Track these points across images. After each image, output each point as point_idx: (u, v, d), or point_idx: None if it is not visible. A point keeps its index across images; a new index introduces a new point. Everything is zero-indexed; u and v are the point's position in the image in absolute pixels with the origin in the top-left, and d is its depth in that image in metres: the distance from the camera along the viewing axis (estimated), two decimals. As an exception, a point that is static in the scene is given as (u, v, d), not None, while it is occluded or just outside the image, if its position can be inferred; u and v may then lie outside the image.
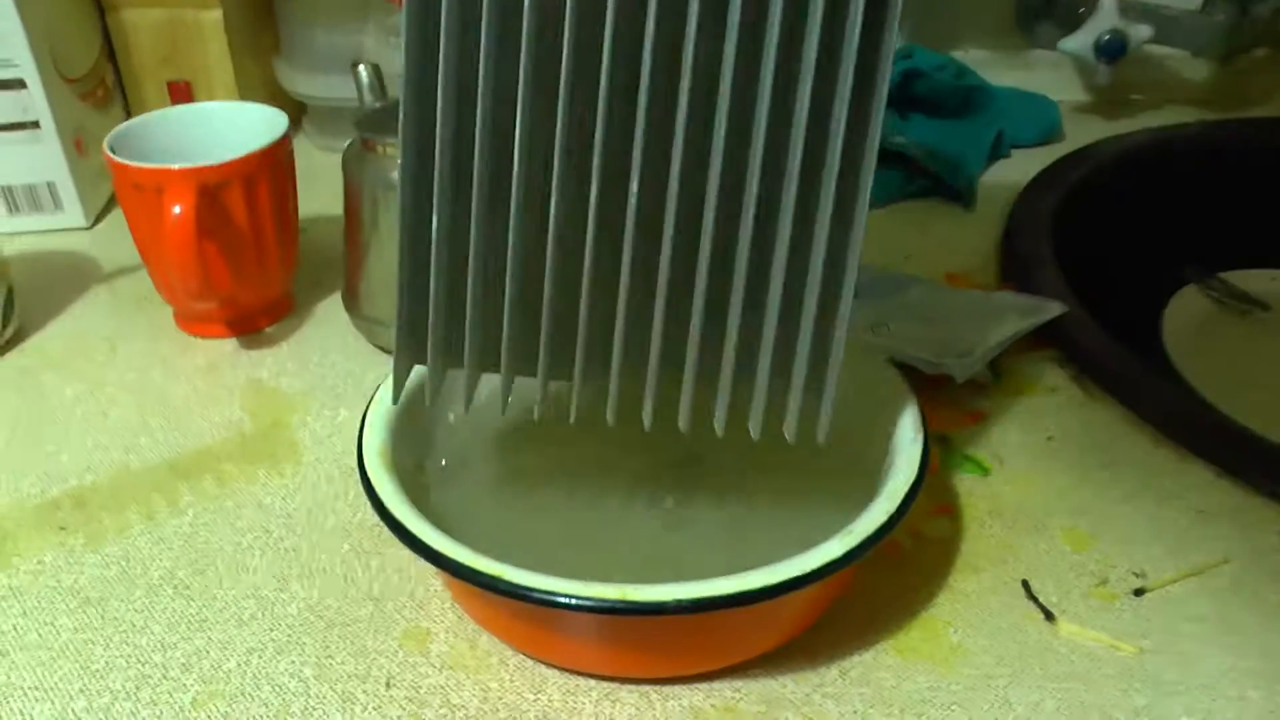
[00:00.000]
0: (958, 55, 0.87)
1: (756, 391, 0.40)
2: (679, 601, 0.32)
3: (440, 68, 0.35)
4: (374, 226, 0.55)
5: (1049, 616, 0.41)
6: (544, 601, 0.33)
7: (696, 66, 0.34)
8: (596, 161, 0.35)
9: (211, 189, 0.54)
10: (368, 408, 0.42)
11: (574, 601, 0.33)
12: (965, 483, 0.48)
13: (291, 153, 0.59)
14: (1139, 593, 0.42)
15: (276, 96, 0.83)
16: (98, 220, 0.73)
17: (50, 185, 0.70)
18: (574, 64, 0.34)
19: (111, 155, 0.55)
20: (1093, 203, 0.73)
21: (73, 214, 0.72)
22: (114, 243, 0.70)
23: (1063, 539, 0.44)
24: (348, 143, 0.56)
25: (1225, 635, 0.40)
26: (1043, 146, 0.79)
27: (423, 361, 0.39)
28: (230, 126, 0.60)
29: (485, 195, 0.36)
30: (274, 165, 0.57)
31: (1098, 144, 0.77)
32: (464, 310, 0.37)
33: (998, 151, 0.77)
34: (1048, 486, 0.47)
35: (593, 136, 0.35)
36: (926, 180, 0.72)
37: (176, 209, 0.52)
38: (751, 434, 0.41)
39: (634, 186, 0.36)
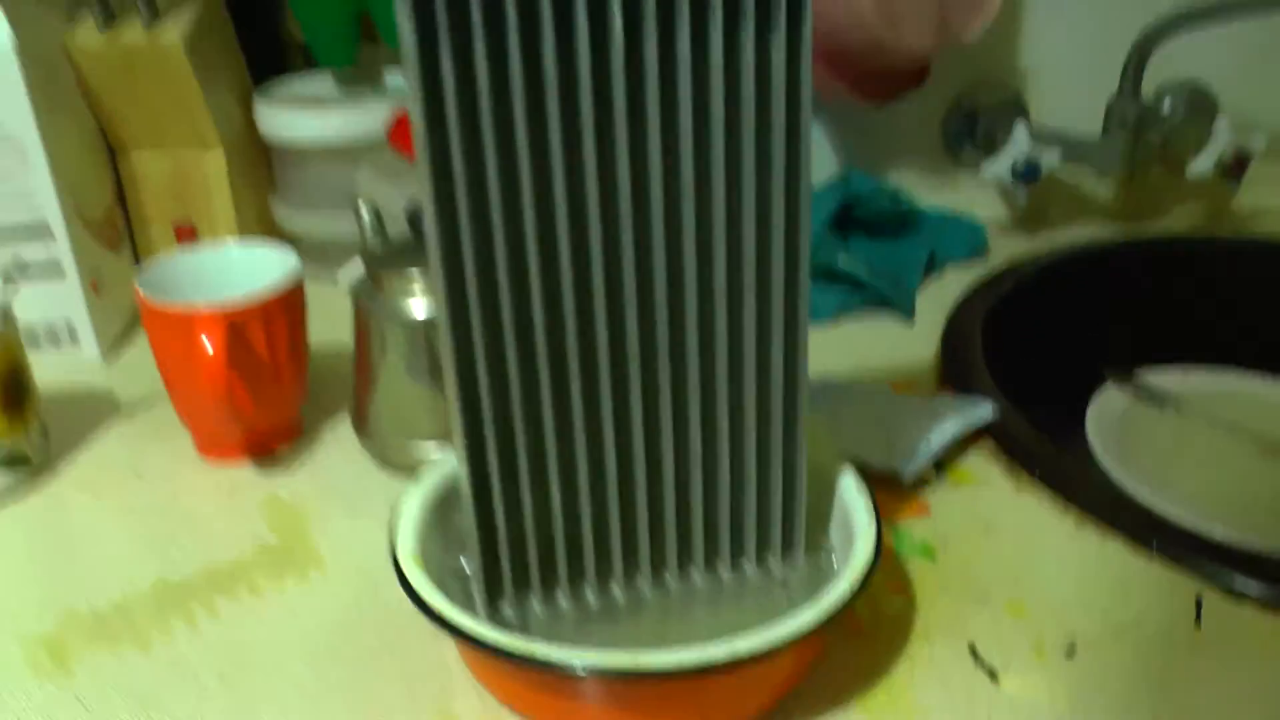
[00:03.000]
0: (891, 176, 0.96)
1: (737, 524, 0.48)
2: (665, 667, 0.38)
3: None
4: (382, 355, 0.61)
5: (993, 676, 0.47)
6: (542, 667, 0.39)
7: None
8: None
9: (239, 325, 0.61)
10: (397, 516, 0.49)
11: (581, 668, 0.39)
12: (916, 565, 0.54)
13: (303, 289, 0.66)
14: (1070, 653, 0.48)
15: (270, 232, 0.90)
16: (109, 355, 0.79)
17: (68, 322, 0.76)
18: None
19: (142, 294, 0.61)
20: (1019, 312, 0.82)
21: (89, 350, 0.77)
22: (128, 376, 0.75)
23: (1005, 609, 0.51)
24: (357, 278, 0.63)
25: (1146, 688, 0.46)
26: (973, 260, 0.88)
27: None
28: (244, 266, 0.67)
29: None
30: (291, 302, 0.63)
31: (1020, 261, 0.86)
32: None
33: (931, 268, 0.86)
34: (989, 566, 0.54)
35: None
36: (869, 296, 0.80)
37: (209, 345, 0.59)
38: (723, 578, 0.48)
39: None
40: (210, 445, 0.66)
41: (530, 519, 0.45)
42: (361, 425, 0.64)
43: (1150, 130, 0.88)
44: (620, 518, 0.46)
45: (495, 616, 0.46)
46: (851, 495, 0.49)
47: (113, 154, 0.83)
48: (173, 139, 0.82)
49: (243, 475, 0.65)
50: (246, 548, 0.58)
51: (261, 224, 0.90)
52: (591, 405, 0.44)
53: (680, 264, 0.43)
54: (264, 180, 0.91)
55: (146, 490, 0.63)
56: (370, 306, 0.61)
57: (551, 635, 0.46)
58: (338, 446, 0.67)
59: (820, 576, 0.49)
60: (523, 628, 0.46)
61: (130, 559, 0.57)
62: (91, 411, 0.72)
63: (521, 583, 0.47)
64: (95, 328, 0.77)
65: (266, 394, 0.64)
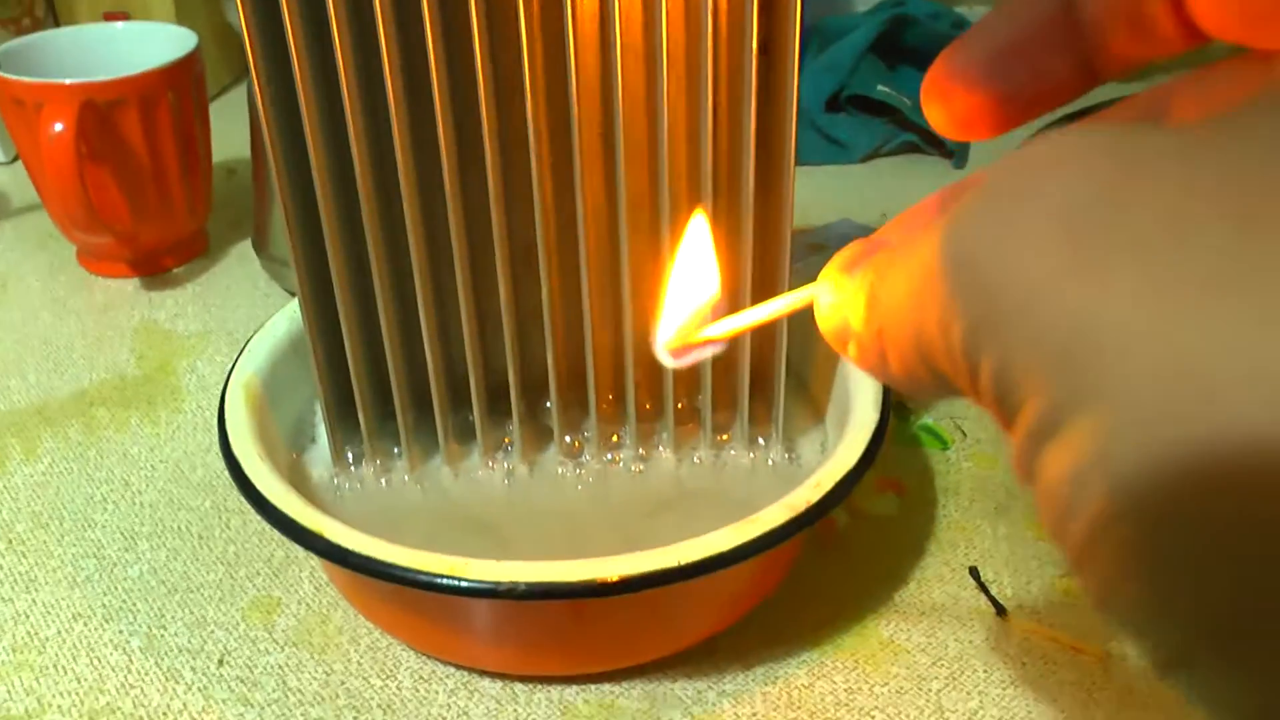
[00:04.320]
0: (961, 11, 0.80)
1: (702, 409, 0.35)
2: (514, 585, 0.26)
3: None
4: (282, 156, 0.49)
5: (1000, 611, 0.35)
6: (358, 568, 0.28)
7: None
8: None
9: (101, 108, 0.49)
10: (253, 335, 0.37)
11: (394, 572, 0.27)
12: (920, 456, 0.42)
13: (201, 76, 0.53)
14: (1108, 587, 0.36)
15: (224, 36, 0.78)
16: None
17: (-35, 115, 0.65)
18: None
19: (-6, 68, 0.50)
20: (1096, 165, 0.67)
21: (-11, 146, 0.67)
22: (33, 179, 0.65)
23: (1026, 524, 0.38)
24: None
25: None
26: (1046, 106, 0.73)
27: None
28: (136, 48, 0.55)
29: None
30: (177, 87, 0.51)
31: (1105, 102, 0.71)
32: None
33: (995, 108, 0.71)
34: (1013, 464, 0.41)
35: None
36: (913, 135, 0.66)
37: (57, 126, 0.47)
38: (704, 459, 0.36)
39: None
40: (92, 257, 0.56)
41: (393, 352, 0.33)
42: (261, 243, 0.53)
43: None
44: (518, 360, 0.34)
45: (347, 486, 0.35)
46: (857, 370, 0.35)
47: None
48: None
49: (123, 294, 0.54)
50: (100, 376, 0.47)
51: (212, 26, 0.77)
52: (473, 207, 0.32)
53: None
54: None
55: (6, 305, 0.53)
56: (268, 94, 0.49)
57: (416, 514, 0.34)
58: (242, 270, 0.56)
59: (798, 473, 0.36)
60: (382, 507, 0.34)
61: (-44, 383, 0.47)
62: (-22, 215, 0.62)
63: (381, 436, 0.35)
64: (-4, 122, 0.66)
65: (147, 199, 0.52)
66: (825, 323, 0.18)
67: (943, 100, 0.16)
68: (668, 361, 0.23)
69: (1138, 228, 0.12)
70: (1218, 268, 0.12)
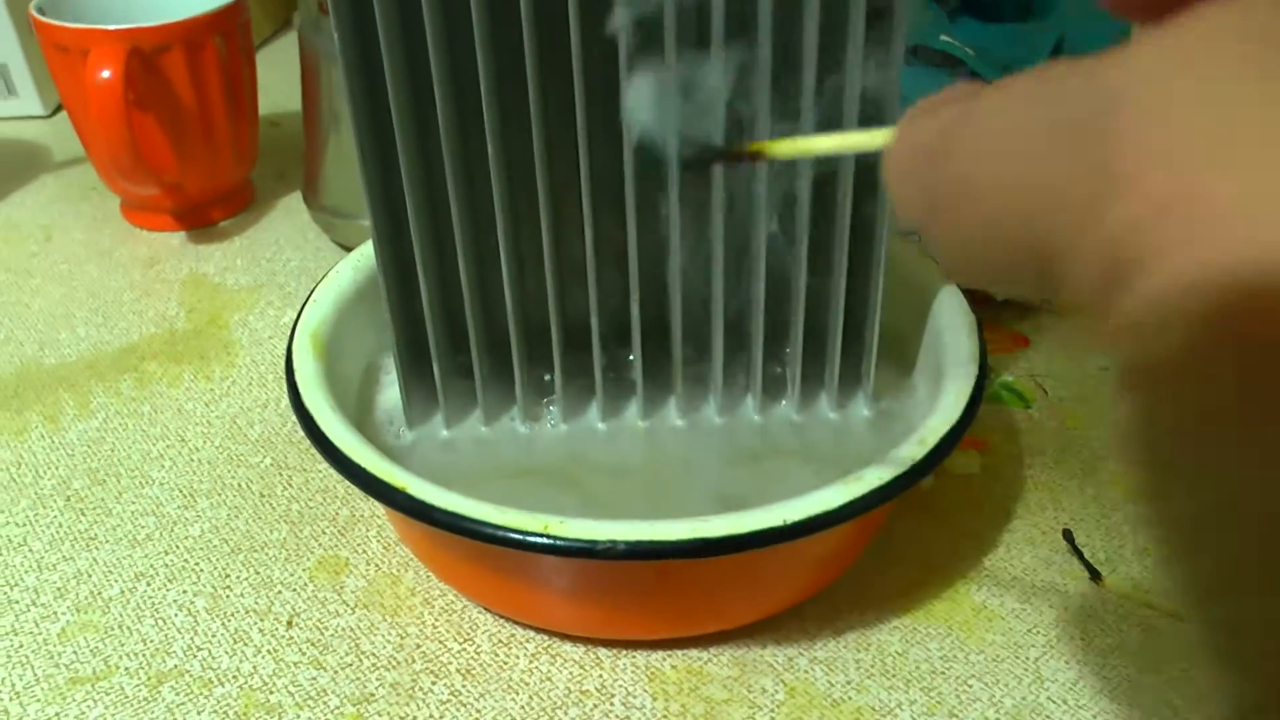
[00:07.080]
0: (1018, -44, 0.78)
1: (790, 364, 0.33)
2: (613, 544, 0.25)
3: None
4: (332, 106, 0.48)
5: (1095, 576, 0.33)
6: (445, 525, 0.26)
7: None
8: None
9: (147, 54, 0.47)
10: (318, 285, 0.36)
11: (485, 531, 0.26)
12: (1002, 415, 0.40)
13: (248, 23, 0.52)
14: (1208, 552, 0.34)
15: (263, -19, 0.76)
16: (61, 109, 0.67)
17: (1, 69, 0.64)
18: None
19: (37, 15, 0.48)
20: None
21: (28, 101, 0.65)
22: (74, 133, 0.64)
23: (1116, 484, 0.37)
24: (308, 11, 0.49)
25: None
26: (1109, 56, 0.70)
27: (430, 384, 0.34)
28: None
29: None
30: (223, 33, 0.50)
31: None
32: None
33: (1058, 56, 0.69)
34: (1099, 423, 0.40)
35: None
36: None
37: (104, 73, 0.46)
38: (791, 415, 0.34)
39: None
40: (136, 209, 0.54)
41: (470, 297, 0.32)
42: (311, 195, 0.51)
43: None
44: (600, 315, 0.32)
45: (418, 440, 0.33)
46: (950, 322, 0.33)
47: None
48: None
49: (169, 246, 0.52)
50: (149, 330, 0.46)
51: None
52: (560, 161, 0.30)
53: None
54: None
55: (52, 257, 0.52)
56: (317, 43, 0.47)
57: (492, 469, 0.33)
58: (291, 223, 0.54)
59: (890, 429, 0.34)
60: (454, 465, 0.33)
61: (4, 335, 0.46)
62: (17, 170, 0.60)
63: (457, 394, 0.34)
64: (35, 75, 0.65)
65: (193, 147, 0.51)
66: (894, 162, 0.17)
67: None
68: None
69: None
70: None
